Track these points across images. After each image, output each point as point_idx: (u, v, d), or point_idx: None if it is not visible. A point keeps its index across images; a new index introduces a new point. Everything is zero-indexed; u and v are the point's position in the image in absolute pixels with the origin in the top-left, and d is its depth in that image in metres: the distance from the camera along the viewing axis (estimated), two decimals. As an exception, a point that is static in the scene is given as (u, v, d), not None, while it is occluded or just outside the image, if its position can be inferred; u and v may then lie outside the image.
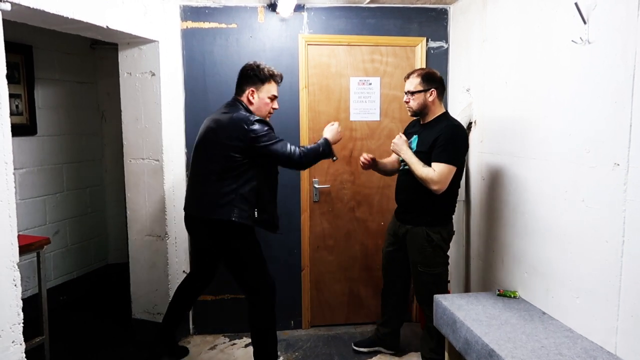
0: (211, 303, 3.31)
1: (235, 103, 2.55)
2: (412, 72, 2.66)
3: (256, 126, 2.39)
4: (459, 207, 3.07)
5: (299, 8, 3.16)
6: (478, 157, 2.97)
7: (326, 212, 3.38)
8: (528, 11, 2.37)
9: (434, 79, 2.62)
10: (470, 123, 3.04)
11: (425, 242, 2.62)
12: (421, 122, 2.72)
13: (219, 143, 2.43)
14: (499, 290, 2.54)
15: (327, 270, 3.42)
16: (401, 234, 2.75)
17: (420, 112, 2.65)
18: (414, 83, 2.62)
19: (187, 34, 3.15)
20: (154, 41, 2.92)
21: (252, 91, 2.54)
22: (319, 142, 2.59)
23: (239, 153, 2.39)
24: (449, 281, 2.87)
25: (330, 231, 3.40)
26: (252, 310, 2.60)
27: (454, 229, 2.78)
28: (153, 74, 2.96)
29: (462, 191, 3.06)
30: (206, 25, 3.16)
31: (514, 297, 2.48)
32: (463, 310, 2.33)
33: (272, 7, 3.14)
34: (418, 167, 2.51)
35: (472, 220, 3.06)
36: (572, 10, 1.96)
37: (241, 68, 2.60)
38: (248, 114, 2.45)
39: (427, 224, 2.62)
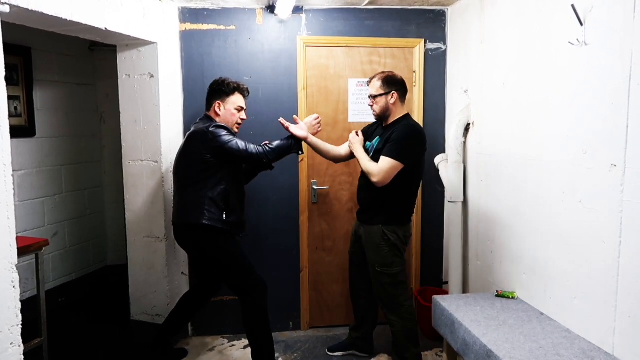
0: (210, 305, 3.30)
1: (204, 117, 2.70)
2: (374, 76, 2.71)
3: (213, 129, 2.53)
4: (457, 208, 3.08)
5: (297, 10, 3.16)
6: (476, 158, 2.97)
7: (325, 214, 3.39)
8: (526, 13, 2.38)
9: (395, 82, 2.66)
10: (468, 124, 3.04)
11: (382, 241, 2.63)
12: (383, 125, 2.74)
13: (188, 152, 2.59)
14: (497, 291, 2.55)
15: (326, 271, 3.42)
16: (360, 234, 2.79)
17: (383, 114, 2.71)
18: (375, 87, 2.68)
19: (185, 36, 3.16)
20: (153, 43, 2.92)
21: (219, 104, 2.68)
22: (283, 139, 2.67)
23: (205, 158, 2.52)
24: (409, 286, 2.83)
25: (328, 232, 3.40)
26: (244, 310, 2.66)
27: (412, 232, 2.80)
28: (152, 76, 2.97)
29: (460, 192, 3.07)
30: (205, 27, 3.16)
31: (512, 297, 2.48)
32: (461, 311, 2.33)
33: (271, 9, 3.14)
34: (364, 161, 2.62)
35: (470, 221, 3.07)
36: (569, 12, 1.97)
37: (209, 85, 2.74)
38: (210, 122, 2.60)
39: (383, 223, 2.64)
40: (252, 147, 2.55)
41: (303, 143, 2.72)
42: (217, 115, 2.67)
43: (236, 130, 2.74)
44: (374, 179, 2.53)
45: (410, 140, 2.57)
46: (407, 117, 2.70)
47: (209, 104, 2.71)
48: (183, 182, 2.63)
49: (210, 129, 2.52)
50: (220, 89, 2.68)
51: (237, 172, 2.69)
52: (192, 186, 2.57)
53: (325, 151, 2.85)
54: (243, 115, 2.75)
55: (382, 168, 2.51)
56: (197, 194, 2.55)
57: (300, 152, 2.73)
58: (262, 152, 2.57)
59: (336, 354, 3.06)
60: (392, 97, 2.64)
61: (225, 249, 2.61)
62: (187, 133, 2.66)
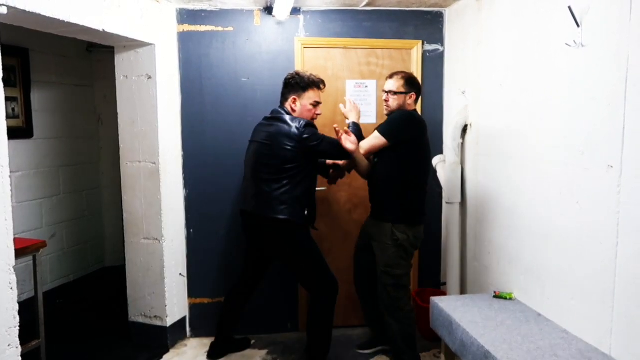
0: (208, 306, 3.31)
1: (278, 112, 2.70)
2: (397, 73, 2.75)
3: (308, 129, 2.58)
4: (454, 209, 3.08)
5: (295, 11, 3.17)
6: (474, 159, 2.98)
7: (323, 215, 3.38)
8: (523, 14, 2.39)
9: (416, 84, 2.74)
10: (466, 125, 3.05)
11: (390, 240, 2.64)
12: None
13: (276, 147, 2.59)
14: (494, 292, 2.55)
15: (324, 273, 3.42)
16: (370, 231, 2.80)
17: (394, 111, 2.75)
18: (397, 84, 2.71)
19: (183, 37, 3.16)
20: (151, 44, 2.92)
21: (294, 99, 2.68)
22: (350, 129, 2.73)
23: (295, 156, 2.57)
24: (410, 289, 2.81)
25: (327, 234, 3.40)
26: (312, 305, 2.73)
27: (423, 235, 2.77)
28: (149, 77, 2.96)
29: (457, 193, 3.07)
30: (202, 28, 3.16)
31: (510, 298, 2.49)
32: (459, 312, 2.33)
33: (269, 10, 3.15)
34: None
35: (468, 222, 3.07)
36: (566, 13, 1.98)
37: (284, 78, 2.76)
38: (297, 120, 2.62)
39: (393, 221, 2.64)
40: (336, 142, 2.61)
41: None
42: (293, 110, 2.68)
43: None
44: (349, 145, 2.60)
45: (399, 122, 2.64)
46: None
47: (284, 98, 2.72)
48: (264, 176, 2.62)
49: (305, 128, 2.56)
50: (297, 83, 2.68)
51: (314, 169, 2.76)
52: (275, 181, 2.59)
53: (365, 168, 2.82)
54: (319, 110, 2.75)
55: (367, 139, 2.69)
56: (281, 190, 2.58)
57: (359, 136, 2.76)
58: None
59: (365, 351, 3.09)
60: (410, 98, 2.72)
61: (304, 245, 2.67)
62: (264, 131, 2.66)
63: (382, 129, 2.66)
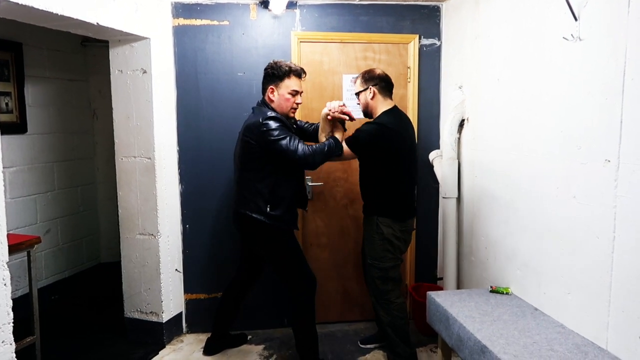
0: (204, 302, 3.31)
1: (259, 104, 2.65)
2: (357, 75, 2.76)
3: (267, 121, 2.47)
4: (451, 204, 3.08)
5: (291, 5, 3.14)
6: (470, 154, 2.97)
7: (319, 210, 3.38)
8: (520, 8, 2.38)
9: (372, 77, 2.69)
10: (462, 120, 3.04)
11: (375, 233, 2.64)
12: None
13: (244, 141, 2.55)
14: (491, 287, 2.56)
15: (321, 268, 3.41)
16: (363, 225, 2.81)
17: (365, 111, 2.75)
18: (357, 84, 2.74)
19: (178, 31, 3.13)
20: (146, 38, 2.90)
21: (272, 89, 2.61)
22: (327, 140, 2.61)
23: (256, 149, 2.49)
24: (404, 282, 2.82)
25: (323, 229, 3.40)
26: (293, 304, 2.70)
27: (412, 229, 2.74)
28: (144, 72, 2.94)
29: (454, 188, 3.07)
30: (198, 22, 3.14)
31: (507, 293, 2.49)
32: (456, 307, 2.34)
33: (265, 4, 3.12)
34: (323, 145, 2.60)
35: (464, 217, 3.07)
36: (563, 7, 1.97)
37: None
38: (266, 111, 2.54)
39: (378, 214, 2.65)
40: (301, 148, 2.45)
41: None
42: (271, 101, 2.61)
43: (292, 114, 2.69)
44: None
45: (367, 136, 2.56)
46: (386, 113, 2.64)
47: (264, 89, 2.66)
48: (239, 169, 2.63)
49: (264, 121, 2.46)
50: (274, 73, 2.59)
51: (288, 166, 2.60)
52: (244, 175, 2.59)
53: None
54: (299, 99, 2.65)
55: (345, 149, 2.61)
56: (248, 184, 2.57)
57: (339, 153, 2.60)
58: (310, 153, 2.48)
59: (368, 346, 3.10)
60: (370, 92, 2.67)
61: (278, 242, 2.63)
62: (247, 120, 2.61)
63: (348, 141, 2.59)
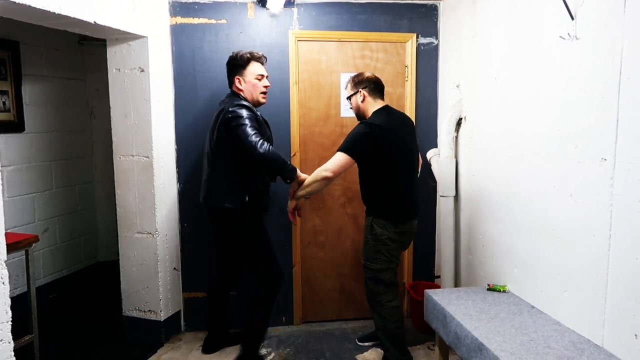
0: (202, 300, 3.31)
1: (229, 94, 2.71)
2: (348, 80, 2.77)
3: (233, 108, 2.50)
4: (448, 203, 3.09)
5: (289, 4, 3.14)
6: (468, 153, 2.98)
7: (317, 208, 3.39)
8: (517, 7, 2.38)
9: (360, 81, 2.70)
10: (460, 119, 3.05)
11: (369, 234, 2.64)
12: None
13: (213, 130, 2.59)
14: (488, 285, 2.57)
15: (319, 267, 3.43)
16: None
17: (357, 113, 2.76)
18: (348, 89, 2.77)
19: (176, 30, 3.13)
20: (143, 37, 2.90)
21: (238, 79, 2.67)
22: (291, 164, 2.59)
23: (224, 137, 2.52)
24: (402, 281, 2.82)
25: (321, 227, 3.40)
26: (255, 295, 2.70)
27: (410, 232, 2.68)
28: (142, 70, 2.94)
29: (452, 187, 3.08)
30: (196, 21, 3.14)
31: (504, 291, 2.50)
32: (453, 305, 2.34)
33: (262, 2, 3.12)
34: (315, 174, 2.53)
35: (461, 215, 3.08)
36: (560, 6, 1.98)
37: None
38: (235, 99, 2.58)
39: (373, 215, 2.64)
40: (254, 140, 2.39)
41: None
42: (240, 90, 2.66)
43: (263, 99, 2.72)
44: (324, 173, 2.49)
45: (358, 136, 2.53)
46: (376, 113, 2.63)
47: (230, 82, 2.72)
48: (211, 165, 2.64)
49: (231, 109, 2.49)
50: (236, 63, 2.67)
51: None
52: (220, 168, 2.59)
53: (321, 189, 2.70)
54: (266, 82, 2.71)
55: (331, 160, 2.51)
56: (226, 176, 2.58)
57: (288, 181, 2.57)
58: (261, 142, 2.40)
59: (366, 344, 3.10)
60: (360, 96, 2.68)
61: (249, 232, 2.63)
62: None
63: (343, 146, 2.53)
